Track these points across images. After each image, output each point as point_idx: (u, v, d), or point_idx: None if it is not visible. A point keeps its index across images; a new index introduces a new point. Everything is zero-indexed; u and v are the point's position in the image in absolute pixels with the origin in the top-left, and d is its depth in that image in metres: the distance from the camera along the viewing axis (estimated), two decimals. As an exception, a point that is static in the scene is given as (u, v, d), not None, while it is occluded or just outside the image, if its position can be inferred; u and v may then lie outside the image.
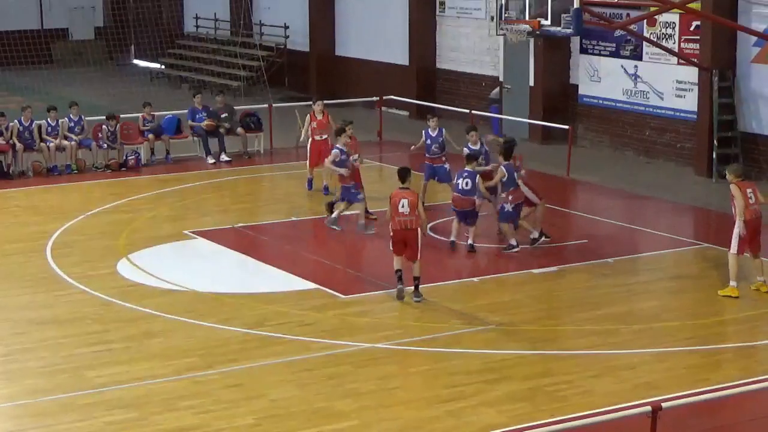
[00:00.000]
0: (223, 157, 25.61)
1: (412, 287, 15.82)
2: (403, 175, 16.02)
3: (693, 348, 14.32)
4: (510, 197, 18.08)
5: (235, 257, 18.38)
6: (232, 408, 12.31)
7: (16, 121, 24.53)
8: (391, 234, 15.89)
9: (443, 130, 20.85)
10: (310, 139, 22.51)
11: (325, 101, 23.62)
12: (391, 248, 15.98)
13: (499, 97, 28.76)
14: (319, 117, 22.29)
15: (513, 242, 18.15)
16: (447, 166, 20.61)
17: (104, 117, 25.31)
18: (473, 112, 26.66)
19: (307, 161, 22.58)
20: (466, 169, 18.27)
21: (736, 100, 23.66)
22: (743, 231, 15.86)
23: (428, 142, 20.70)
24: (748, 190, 16.06)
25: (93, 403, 12.42)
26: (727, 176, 16.52)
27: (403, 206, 15.66)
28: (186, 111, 26.25)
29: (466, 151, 19.49)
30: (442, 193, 20.97)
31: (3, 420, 12.16)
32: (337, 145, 19.61)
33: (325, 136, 22.10)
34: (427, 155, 20.75)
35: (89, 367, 13.51)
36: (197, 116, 26.03)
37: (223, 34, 39.37)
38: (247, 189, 23.82)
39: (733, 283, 15.95)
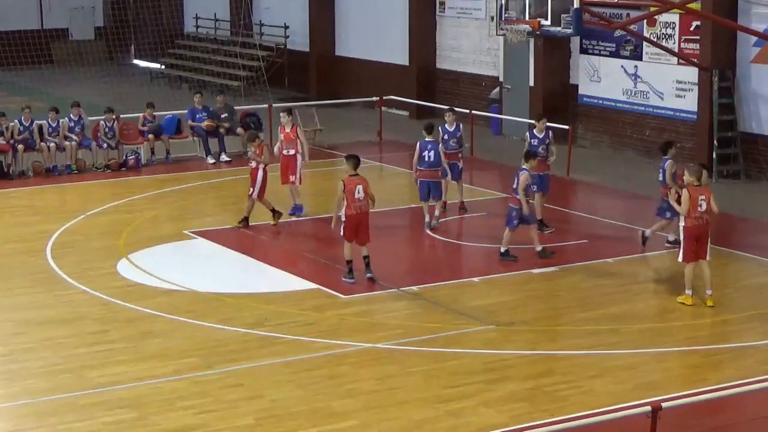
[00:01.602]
0: (223, 157, 25.61)
1: (364, 267, 16.54)
2: (355, 162, 16.76)
3: (692, 348, 14.32)
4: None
5: (235, 257, 18.38)
6: (232, 408, 12.31)
7: (16, 121, 24.54)
8: (344, 220, 16.48)
9: (460, 125, 20.74)
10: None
11: (325, 102, 23.42)
12: (342, 234, 16.55)
13: (499, 97, 28.77)
14: (287, 129, 20.51)
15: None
16: (461, 164, 20.48)
17: (103, 117, 25.31)
18: (473, 112, 26.64)
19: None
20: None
21: (736, 100, 23.66)
22: (682, 237, 15.72)
23: (445, 137, 20.21)
24: (701, 197, 15.55)
25: (93, 403, 12.42)
26: (684, 177, 16.05)
27: (358, 192, 16.44)
28: (186, 111, 26.27)
29: (527, 136, 19.60)
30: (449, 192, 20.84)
31: (3, 420, 12.16)
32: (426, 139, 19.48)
33: (292, 152, 20.34)
34: (445, 151, 19.92)
35: (89, 367, 13.51)
36: (197, 116, 26.04)
37: (223, 34, 39.36)
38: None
39: (687, 291, 15.76)
